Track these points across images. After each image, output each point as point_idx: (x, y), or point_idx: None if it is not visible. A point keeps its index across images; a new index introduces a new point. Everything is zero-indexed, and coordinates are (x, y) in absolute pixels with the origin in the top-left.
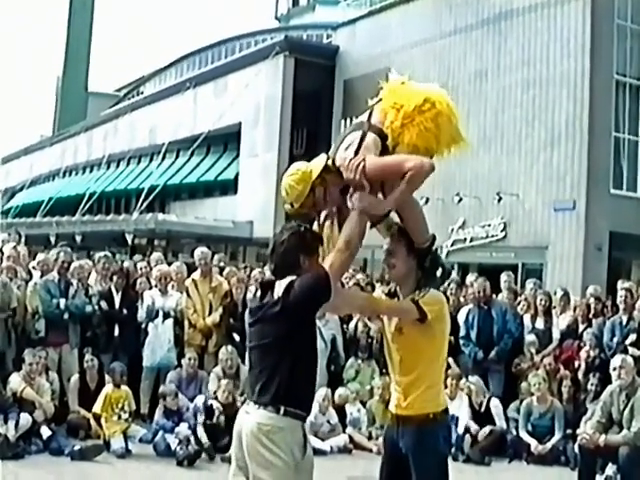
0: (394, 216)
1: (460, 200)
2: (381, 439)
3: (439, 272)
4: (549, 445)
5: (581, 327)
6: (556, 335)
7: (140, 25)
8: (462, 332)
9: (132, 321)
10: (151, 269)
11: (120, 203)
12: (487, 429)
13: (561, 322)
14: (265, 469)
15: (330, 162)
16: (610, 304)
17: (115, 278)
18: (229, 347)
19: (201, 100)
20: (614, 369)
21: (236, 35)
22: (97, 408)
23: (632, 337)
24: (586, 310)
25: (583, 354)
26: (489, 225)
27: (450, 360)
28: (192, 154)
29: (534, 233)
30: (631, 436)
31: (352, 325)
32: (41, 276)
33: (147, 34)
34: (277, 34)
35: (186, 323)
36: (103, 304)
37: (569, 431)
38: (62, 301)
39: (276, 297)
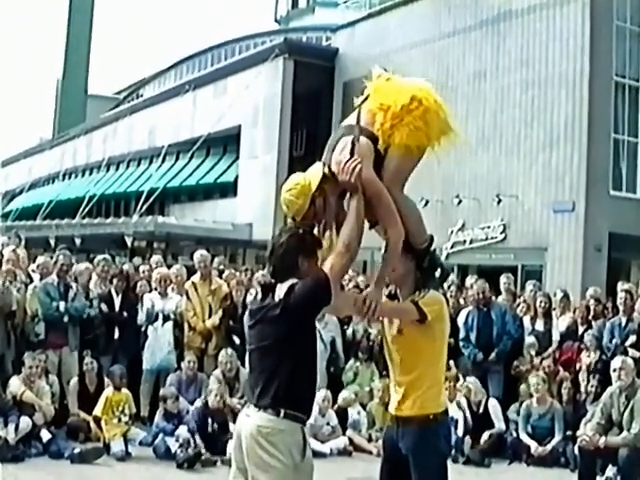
0: None
1: (459, 202)
2: (381, 441)
3: (438, 272)
4: (549, 447)
5: (581, 329)
6: (556, 337)
7: (140, 28)
8: (462, 334)
9: (132, 324)
10: (151, 272)
11: (120, 206)
12: (487, 433)
13: (561, 324)
14: (264, 471)
15: (327, 170)
16: (610, 305)
17: (115, 281)
18: (229, 350)
19: (201, 102)
20: (614, 370)
21: (235, 37)
22: (97, 411)
23: (632, 338)
24: (586, 312)
25: (584, 356)
26: (488, 227)
27: (450, 362)
28: (192, 156)
29: (533, 234)
30: (631, 437)
31: (352, 327)
32: (41, 279)
33: (147, 37)
34: (276, 36)
35: (186, 326)
36: (103, 307)
37: (569, 433)
38: (62, 304)
39: (277, 299)
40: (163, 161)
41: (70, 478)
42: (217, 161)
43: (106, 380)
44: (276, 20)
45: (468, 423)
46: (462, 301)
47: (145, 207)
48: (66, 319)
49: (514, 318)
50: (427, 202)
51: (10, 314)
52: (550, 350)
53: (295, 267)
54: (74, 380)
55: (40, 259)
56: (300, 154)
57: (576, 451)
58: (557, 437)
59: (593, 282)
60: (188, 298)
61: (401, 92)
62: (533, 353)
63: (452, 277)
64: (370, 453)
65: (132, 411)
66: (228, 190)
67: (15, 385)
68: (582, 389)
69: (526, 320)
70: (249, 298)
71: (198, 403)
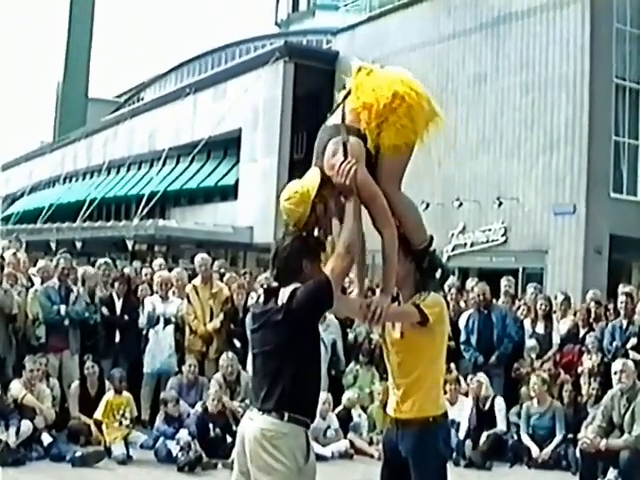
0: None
1: (460, 204)
2: (381, 444)
3: (438, 273)
4: (551, 447)
5: (582, 331)
6: (556, 340)
7: (140, 31)
8: (462, 337)
9: (133, 327)
10: (152, 275)
11: (120, 209)
12: (486, 434)
13: (562, 326)
14: (268, 474)
15: (323, 175)
16: (612, 308)
17: (116, 284)
18: (230, 353)
19: (201, 106)
20: (615, 373)
21: (236, 41)
22: (98, 414)
23: (633, 341)
24: (586, 314)
25: (585, 358)
26: (489, 229)
27: (451, 365)
28: (192, 160)
29: (534, 237)
30: (632, 440)
31: (354, 330)
32: (42, 283)
33: (147, 40)
34: (277, 39)
35: (187, 329)
36: (104, 310)
37: (570, 435)
38: (62, 307)
39: (280, 304)
40: (164, 164)
41: None
42: (217, 164)
43: (107, 383)
44: (276, 23)
45: (472, 422)
46: (463, 304)
47: (146, 210)
48: (67, 322)
49: (515, 321)
50: (428, 205)
51: (11, 318)
52: (550, 353)
53: (299, 270)
54: (75, 384)
55: (41, 263)
56: (300, 157)
57: (577, 454)
58: (558, 436)
59: (594, 284)
60: (189, 301)
61: (382, 87)
62: (534, 356)
63: (453, 280)
64: (371, 456)
65: (133, 414)
66: (229, 193)
67: (16, 389)
68: (583, 392)
69: (527, 323)
70: (250, 301)
71: (198, 408)
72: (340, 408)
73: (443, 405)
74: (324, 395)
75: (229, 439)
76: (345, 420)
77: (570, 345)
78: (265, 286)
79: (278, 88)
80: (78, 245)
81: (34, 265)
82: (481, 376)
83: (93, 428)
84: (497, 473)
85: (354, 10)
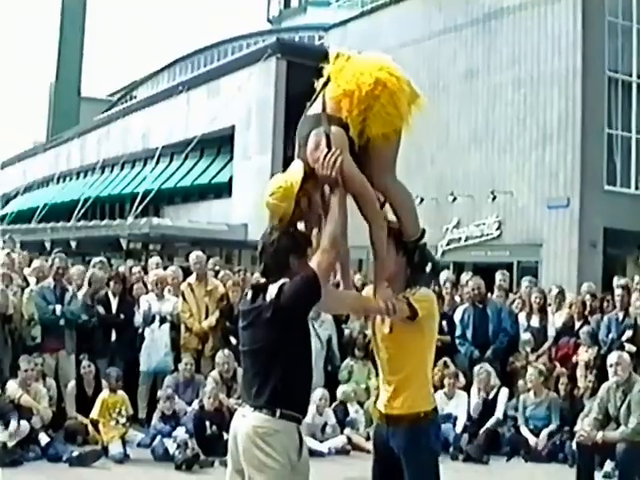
0: (387, 210)
1: (454, 199)
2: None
3: (429, 267)
4: (545, 433)
5: (577, 324)
6: (551, 333)
7: (132, 30)
8: (458, 331)
9: (129, 326)
10: (147, 273)
11: (114, 208)
12: (483, 429)
13: (557, 320)
14: (261, 472)
15: (307, 167)
16: (608, 300)
17: (112, 283)
18: (226, 351)
19: (194, 103)
20: (610, 366)
21: (228, 38)
22: (94, 414)
23: (628, 333)
24: (582, 307)
25: (581, 351)
26: (484, 224)
27: (448, 360)
28: (186, 158)
29: (528, 231)
30: (628, 432)
31: (349, 325)
32: (37, 282)
33: (139, 38)
34: (269, 36)
35: (182, 327)
36: (100, 309)
37: (567, 428)
38: (58, 307)
39: (268, 300)
40: (157, 162)
41: None
42: (211, 162)
43: (103, 382)
44: (268, 20)
45: (476, 412)
46: (458, 298)
47: (140, 209)
48: (62, 322)
49: (510, 315)
50: (422, 200)
51: (6, 318)
52: (546, 346)
53: (286, 266)
54: (71, 383)
55: (36, 262)
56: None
57: (574, 446)
58: (553, 424)
59: (589, 277)
60: (184, 299)
61: (363, 73)
62: (529, 349)
63: (448, 274)
64: (368, 452)
65: (129, 413)
66: (223, 191)
67: (12, 389)
68: (579, 384)
69: (521, 317)
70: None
71: (194, 406)
72: (336, 403)
73: (433, 400)
74: (320, 391)
75: (226, 436)
76: (342, 416)
77: (566, 338)
78: (252, 283)
79: (271, 85)
80: (73, 244)
81: (29, 265)
82: (487, 366)
83: (90, 428)
84: (494, 467)
85: (346, 6)
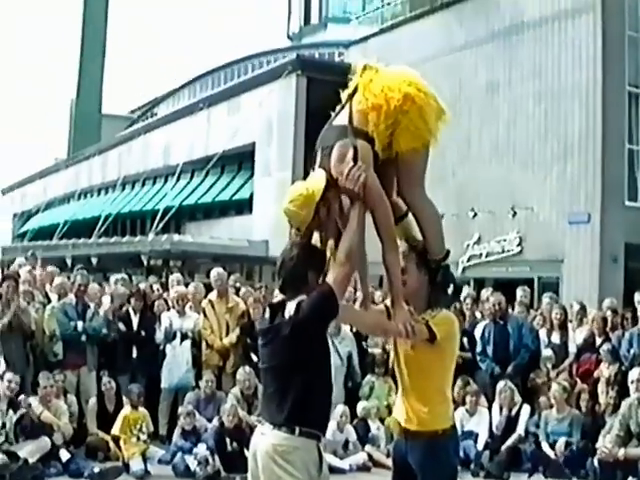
0: (410, 221)
1: (475, 215)
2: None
3: (450, 289)
4: (562, 442)
5: (598, 340)
6: (572, 349)
7: (153, 47)
8: (479, 348)
9: (150, 342)
10: (168, 290)
11: (135, 224)
12: (504, 447)
13: (578, 336)
14: None
15: (329, 177)
16: (630, 316)
17: (133, 300)
18: (247, 368)
19: (215, 120)
20: (632, 382)
21: (248, 55)
22: (116, 430)
23: None
24: (603, 323)
25: (603, 367)
26: (504, 239)
27: (469, 378)
28: (207, 174)
29: (549, 246)
30: None
31: (369, 342)
32: (58, 299)
33: (160, 56)
34: (289, 53)
35: (203, 344)
36: (121, 326)
37: (589, 445)
38: (79, 323)
39: (287, 318)
40: (178, 179)
41: None
42: (232, 178)
43: (125, 399)
44: (288, 37)
45: (499, 429)
46: (478, 314)
47: (161, 225)
48: (84, 339)
49: (530, 331)
50: (442, 216)
51: (28, 334)
52: (567, 363)
53: (304, 281)
54: (92, 400)
55: (57, 279)
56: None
57: (596, 463)
58: (575, 437)
59: (610, 293)
60: (205, 316)
61: (391, 88)
62: (550, 366)
63: (468, 290)
64: (389, 469)
65: (150, 429)
66: (244, 207)
67: (33, 405)
68: (600, 401)
69: (542, 333)
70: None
71: (215, 422)
72: (357, 420)
73: (452, 418)
74: (341, 407)
75: (247, 453)
76: (363, 432)
77: (587, 354)
78: (270, 301)
79: (291, 102)
80: (94, 261)
81: (51, 282)
82: (510, 383)
83: (111, 444)
84: None
85: (366, 22)
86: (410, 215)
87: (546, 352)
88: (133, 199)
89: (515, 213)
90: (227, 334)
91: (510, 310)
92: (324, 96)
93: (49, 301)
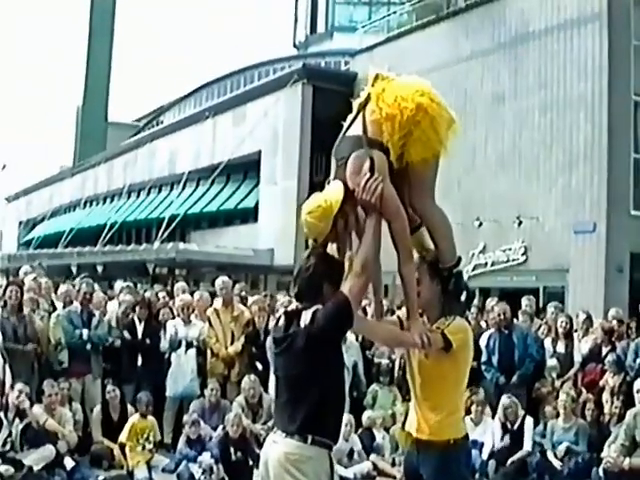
0: (424, 231)
1: (480, 224)
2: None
3: (463, 296)
4: (563, 451)
5: (604, 350)
6: (577, 359)
7: (159, 55)
8: (484, 357)
9: (155, 351)
10: (173, 298)
11: (141, 233)
12: (511, 460)
13: (583, 345)
14: None
15: (346, 189)
16: (635, 326)
17: (138, 308)
18: (252, 376)
19: (220, 129)
20: (637, 391)
21: (254, 64)
22: (123, 437)
23: None
24: (608, 333)
25: (608, 377)
26: (510, 249)
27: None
28: (212, 183)
29: (554, 256)
30: None
31: (373, 351)
32: (64, 307)
33: (166, 64)
34: (295, 62)
35: (208, 352)
36: (126, 334)
37: (594, 455)
38: (85, 332)
39: (302, 327)
40: (184, 188)
41: None
42: (237, 187)
43: (129, 407)
44: (294, 45)
45: (496, 445)
46: (483, 324)
47: (166, 234)
48: (89, 347)
49: (535, 340)
50: None
51: (34, 343)
52: (571, 373)
53: (319, 291)
54: (97, 408)
55: (63, 287)
56: (320, 179)
57: (601, 473)
58: (581, 447)
59: (615, 302)
60: (210, 325)
61: (405, 98)
62: (555, 375)
63: (473, 300)
64: (394, 478)
65: (157, 438)
66: (249, 216)
67: (37, 413)
68: (606, 410)
69: (547, 342)
70: (272, 324)
71: (220, 432)
72: (362, 429)
73: (464, 428)
74: (346, 417)
75: (251, 462)
76: (368, 442)
77: (592, 364)
78: (286, 310)
79: (297, 110)
80: (99, 269)
81: (55, 290)
82: (514, 398)
83: (116, 452)
84: None
85: (372, 31)
86: (423, 226)
87: (551, 362)
88: (138, 207)
89: (520, 222)
90: (232, 343)
91: (515, 320)
92: (330, 105)
93: (54, 309)
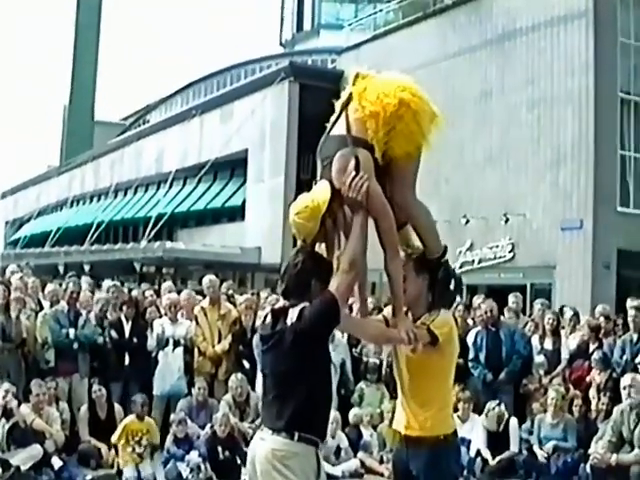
0: (409, 228)
1: (467, 222)
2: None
3: (452, 284)
4: (551, 448)
5: (592, 347)
6: (565, 355)
7: (145, 54)
8: (471, 354)
9: (142, 350)
10: (160, 297)
11: (128, 232)
12: (498, 458)
13: (571, 342)
14: None
15: (333, 188)
16: (621, 322)
17: (125, 307)
18: (239, 375)
19: (207, 127)
20: (624, 388)
21: (241, 62)
22: (114, 437)
23: None
24: (596, 329)
25: (595, 374)
26: (497, 246)
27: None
28: (199, 181)
29: (542, 253)
30: None
31: (359, 348)
32: (50, 306)
33: (152, 63)
34: (282, 60)
35: (196, 351)
36: (113, 333)
37: (581, 451)
38: (71, 331)
39: (289, 324)
40: (171, 186)
41: None
42: (224, 185)
43: (117, 406)
44: (281, 43)
45: (482, 443)
46: (470, 321)
47: (153, 233)
48: (76, 346)
49: (523, 337)
50: (435, 222)
51: (20, 342)
52: (559, 369)
53: (307, 288)
54: (84, 407)
55: (50, 286)
56: (307, 177)
57: (588, 469)
58: (569, 442)
59: (602, 299)
60: (197, 323)
61: (387, 95)
62: (542, 372)
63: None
64: (382, 475)
65: (153, 441)
66: (236, 214)
67: (25, 412)
68: (593, 407)
69: (534, 339)
70: (259, 322)
71: (207, 430)
72: (349, 426)
73: (453, 424)
74: (332, 414)
75: (239, 461)
76: (355, 439)
77: (580, 360)
78: (273, 307)
79: (284, 108)
80: (86, 268)
81: (42, 289)
82: (499, 407)
83: (104, 451)
84: None
85: (358, 29)
86: (409, 224)
87: (538, 358)
88: (125, 206)
89: (508, 219)
90: (219, 341)
91: (502, 317)
92: (317, 103)
93: (41, 308)
